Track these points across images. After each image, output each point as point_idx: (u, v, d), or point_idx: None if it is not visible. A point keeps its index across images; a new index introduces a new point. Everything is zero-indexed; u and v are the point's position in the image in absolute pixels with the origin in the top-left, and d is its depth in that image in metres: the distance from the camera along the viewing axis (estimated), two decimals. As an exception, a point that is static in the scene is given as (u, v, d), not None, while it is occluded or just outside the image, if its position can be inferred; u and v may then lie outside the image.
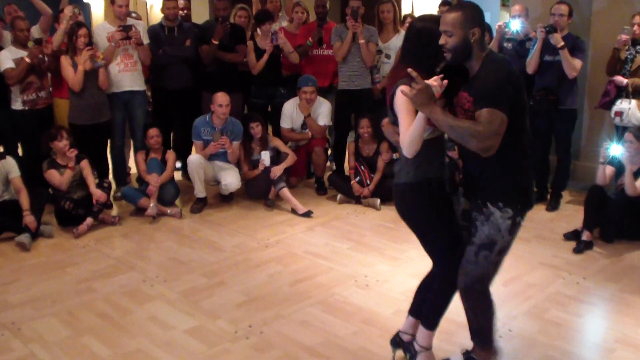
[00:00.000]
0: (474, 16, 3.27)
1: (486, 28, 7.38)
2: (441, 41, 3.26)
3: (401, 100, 3.26)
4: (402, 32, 7.71)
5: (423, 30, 3.40)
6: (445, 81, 3.15)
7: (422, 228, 3.68)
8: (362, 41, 7.19)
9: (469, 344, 4.09)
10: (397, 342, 3.91)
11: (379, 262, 5.49)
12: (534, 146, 6.97)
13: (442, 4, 7.88)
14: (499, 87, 3.15)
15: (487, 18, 8.55)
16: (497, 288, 4.86)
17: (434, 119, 3.15)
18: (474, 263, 3.45)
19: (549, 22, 6.43)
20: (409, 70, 3.14)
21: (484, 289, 3.56)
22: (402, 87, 3.18)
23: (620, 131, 6.39)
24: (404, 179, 3.57)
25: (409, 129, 3.22)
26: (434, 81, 3.14)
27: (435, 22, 3.34)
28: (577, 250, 5.62)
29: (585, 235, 5.69)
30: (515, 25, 6.99)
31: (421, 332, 3.75)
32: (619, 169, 5.83)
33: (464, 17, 3.22)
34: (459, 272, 3.52)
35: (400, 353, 3.92)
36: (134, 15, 8.09)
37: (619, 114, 6.27)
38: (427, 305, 3.77)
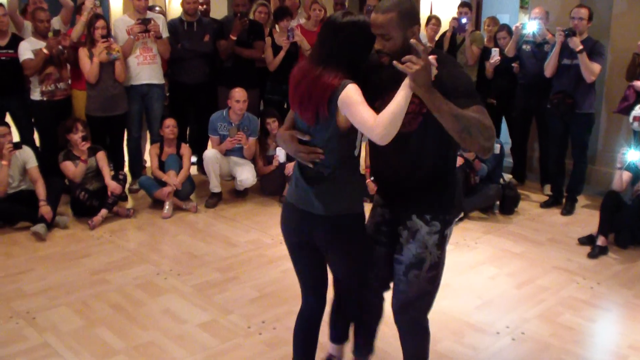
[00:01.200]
0: (411, 13, 2.88)
1: (507, 29, 7.43)
2: (377, 46, 2.90)
3: (352, 90, 2.80)
4: (421, 33, 7.70)
5: (352, 26, 2.93)
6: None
7: (355, 258, 3.20)
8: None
9: (481, 345, 4.10)
10: None
11: (392, 261, 5.47)
12: (547, 149, 7.02)
13: (461, 5, 7.85)
14: (470, 82, 2.92)
15: (506, 20, 8.58)
16: (510, 290, 4.90)
17: (433, 104, 2.66)
18: (405, 283, 3.11)
19: (569, 26, 6.41)
20: (412, 41, 2.68)
21: (423, 313, 3.25)
22: (405, 59, 2.62)
23: (638, 136, 6.37)
24: (345, 209, 3.05)
25: (381, 113, 2.73)
26: (434, 60, 2.73)
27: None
28: (592, 255, 5.60)
29: (600, 241, 5.67)
30: (532, 27, 6.98)
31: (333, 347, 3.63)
32: (636, 174, 5.81)
33: (400, 17, 2.83)
34: (392, 294, 3.23)
35: None
36: (157, 9, 8.12)
37: (638, 119, 6.24)
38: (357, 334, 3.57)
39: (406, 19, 2.84)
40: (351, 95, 2.80)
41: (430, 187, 3.01)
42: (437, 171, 3.00)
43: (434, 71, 2.70)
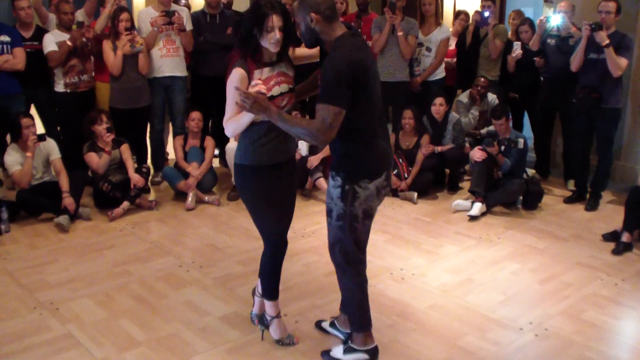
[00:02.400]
0: (308, 3, 3.41)
1: (529, 22, 7.38)
2: (298, 31, 3.56)
3: (233, 74, 3.54)
4: (445, 25, 7.67)
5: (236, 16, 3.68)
6: (267, 85, 3.50)
7: (251, 208, 3.85)
8: (400, 33, 7.15)
9: (505, 341, 4.08)
10: (259, 320, 4.15)
11: (414, 255, 5.46)
12: (571, 144, 6.95)
13: (484, -1, 7.80)
14: (337, 81, 3.30)
15: (530, 13, 8.50)
16: (533, 286, 4.87)
17: (272, 120, 3.44)
18: (328, 229, 3.73)
19: (596, 19, 6.33)
20: (236, 88, 3.48)
21: (343, 257, 3.72)
22: (238, 99, 3.45)
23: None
24: (239, 160, 3.74)
25: (234, 117, 3.60)
26: (260, 87, 3.42)
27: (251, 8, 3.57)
28: (616, 252, 5.54)
29: (625, 237, 5.60)
30: (556, 20, 6.92)
31: (267, 304, 4.02)
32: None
33: (299, 5, 3.45)
34: None
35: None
36: (183, 2, 8.12)
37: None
38: (261, 277, 4.01)
39: (303, 7, 3.42)
40: (231, 78, 3.55)
41: (338, 151, 3.58)
42: (343, 141, 3.50)
43: (264, 90, 3.44)
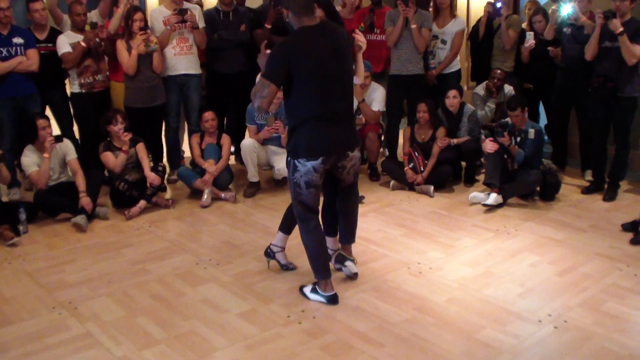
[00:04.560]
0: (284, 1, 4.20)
1: (542, 12, 7.35)
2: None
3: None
4: (459, 18, 7.63)
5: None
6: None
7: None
8: (414, 26, 7.12)
9: (524, 334, 4.06)
10: (268, 253, 5.03)
11: (432, 249, 5.45)
12: (588, 134, 6.88)
13: (498, -11, 7.74)
14: (272, 59, 4.10)
15: (543, 3, 8.42)
16: (552, 278, 4.84)
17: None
18: None
19: (612, 7, 6.27)
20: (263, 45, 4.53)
21: (296, 214, 4.45)
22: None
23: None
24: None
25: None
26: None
27: None
28: (635, 242, 5.49)
29: (644, 226, 5.57)
30: (566, 9, 6.87)
31: (279, 236, 4.94)
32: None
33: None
34: None
35: (274, 263, 5.07)
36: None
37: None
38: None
39: (282, 2, 4.35)
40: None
41: (288, 127, 4.34)
42: (289, 118, 4.31)
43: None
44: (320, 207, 4.57)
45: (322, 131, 4.16)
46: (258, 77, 4.47)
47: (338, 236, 4.93)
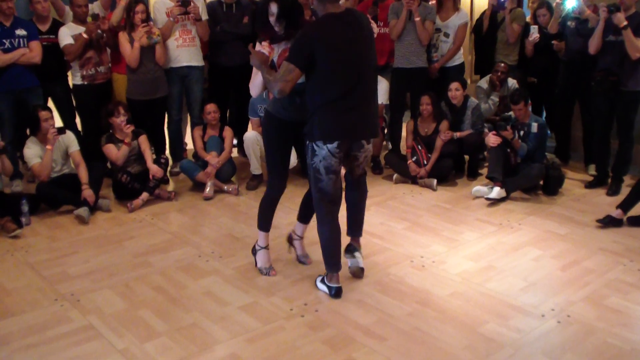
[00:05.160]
0: None
1: (547, 6, 7.32)
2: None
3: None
4: (463, 11, 7.60)
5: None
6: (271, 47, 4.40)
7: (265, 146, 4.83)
8: (417, 19, 7.09)
9: (526, 328, 4.05)
10: (289, 238, 5.15)
11: (434, 243, 5.43)
12: (591, 128, 6.85)
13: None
14: (296, 44, 4.16)
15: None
16: (555, 273, 4.83)
17: (261, 72, 4.37)
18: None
19: (615, 1, 6.24)
20: (249, 46, 4.43)
21: (315, 202, 4.47)
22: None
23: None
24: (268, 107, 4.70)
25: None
26: (262, 48, 4.37)
27: None
28: (602, 222, 5.51)
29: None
30: (571, 3, 6.84)
31: (298, 225, 5.03)
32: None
33: None
34: None
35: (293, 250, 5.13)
36: None
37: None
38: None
39: None
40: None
41: (308, 110, 4.33)
42: (310, 101, 4.29)
43: (267, 51, 4.37)
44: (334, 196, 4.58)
45: (338, 116, 4.21)
46: (254, 71, 4.59)
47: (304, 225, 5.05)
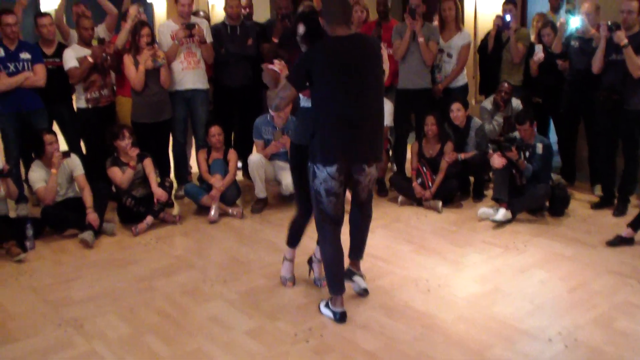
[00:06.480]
0: (321, 11, 4.34)
1: (551, 25, 7.31)
2: None
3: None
4: (465, 31, 7.61)
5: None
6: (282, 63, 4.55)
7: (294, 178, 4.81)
8: (421, 39, 7.10)
9: (533, 352, 4.00)
10: (309, 261, 5.11)
11: (440, 265, 5.40)
12: (596, 147, 6.82)
13: (505, 2, 7.71)
14: (296, 64, 4.24)
15: (551, 16, 8.39)
16: (562, 295, 4.79)
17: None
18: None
19: (619, 20, 6.23)
20: (263, 65, 4.60)
21: (316, 223, 4.49)
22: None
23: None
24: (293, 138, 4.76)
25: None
26: (274, 66, 4.53)
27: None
28: (611, 243, 5.48)
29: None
30: (575, 23, 6.85)
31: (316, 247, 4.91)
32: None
33: None
34: None
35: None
36: (201, 14, 8.16)
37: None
38: None
39: (320, 12, 4.38)
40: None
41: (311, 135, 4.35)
42: (311, 121, 4.32)
43: (279, 67, 4.51)
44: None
45: (336, 138, 4.22)
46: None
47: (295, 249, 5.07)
